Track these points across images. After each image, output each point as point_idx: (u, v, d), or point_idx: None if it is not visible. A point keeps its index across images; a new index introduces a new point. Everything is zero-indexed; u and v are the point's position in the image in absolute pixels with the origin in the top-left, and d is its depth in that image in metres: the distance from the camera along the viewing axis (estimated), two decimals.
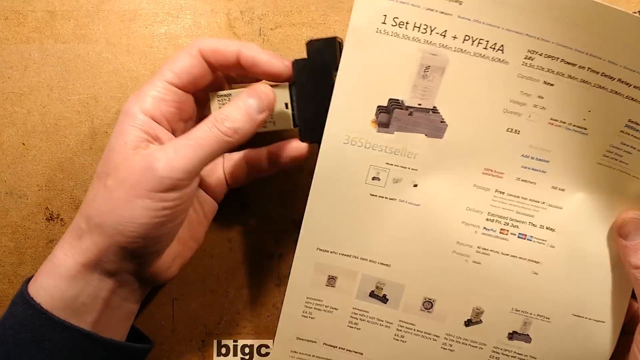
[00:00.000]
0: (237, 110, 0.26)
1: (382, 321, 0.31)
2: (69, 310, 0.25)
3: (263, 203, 0.34)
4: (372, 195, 0.29)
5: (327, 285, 0.30)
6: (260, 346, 0.35)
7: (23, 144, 0.33)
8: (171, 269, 0.29)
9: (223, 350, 0.35)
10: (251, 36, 0.33)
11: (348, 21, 0.33)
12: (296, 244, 0.30)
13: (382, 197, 0.29)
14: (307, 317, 0.31)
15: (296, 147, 0.29)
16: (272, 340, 0.35)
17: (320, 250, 0.30)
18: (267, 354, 0.35)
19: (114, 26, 0.33)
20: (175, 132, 0.28)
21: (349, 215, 0.29)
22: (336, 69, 0.27)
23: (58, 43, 0.33)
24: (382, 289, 0.30)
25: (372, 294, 0.30)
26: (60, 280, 0.25)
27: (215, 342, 0.35)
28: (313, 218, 0.29)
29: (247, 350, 0.35)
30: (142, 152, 0.25)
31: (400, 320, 0.31)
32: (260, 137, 0.29)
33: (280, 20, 0.33)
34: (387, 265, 0.30)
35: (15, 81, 0.33)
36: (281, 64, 0.27)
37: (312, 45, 0.28)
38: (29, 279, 0.26)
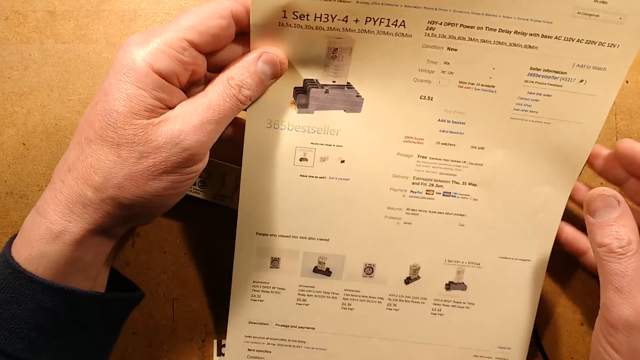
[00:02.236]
0: (253, 78, 0.25)
1: (329, 293, 0.32)
2: (70, 273, 0.24)
3: None
4: (302, 176, 0.30)
5: (271, 267, 0.32)
6: None
7: (23, 144, 0.33)
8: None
9: (223, 350, 0.35)
10: None
11: None
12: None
13: (312, 176, 0.30)
14: (256, 300, 0.32)
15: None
16: None
17: (260, 234, 0.31)
18: None
19: (114, 26, 0.33)
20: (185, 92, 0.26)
21: (283, 197, 0.30)
22: None
23: (58, 43, 0.33)
24: (324, 263, 0.32)
25: (315, 270, 0.32)
26: (63, 246, 0.23)
27: (215, 342, 0.35)
28: (247, 204, 0.30)
29: None
30: (162, 127, 0.23)
31: (345, 290, 0.32)
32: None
33: None
34: (326, 240, 0.31)
35: (15, 81, 0.33)
36: None
37: None
38: (11, 240, 0.25)
